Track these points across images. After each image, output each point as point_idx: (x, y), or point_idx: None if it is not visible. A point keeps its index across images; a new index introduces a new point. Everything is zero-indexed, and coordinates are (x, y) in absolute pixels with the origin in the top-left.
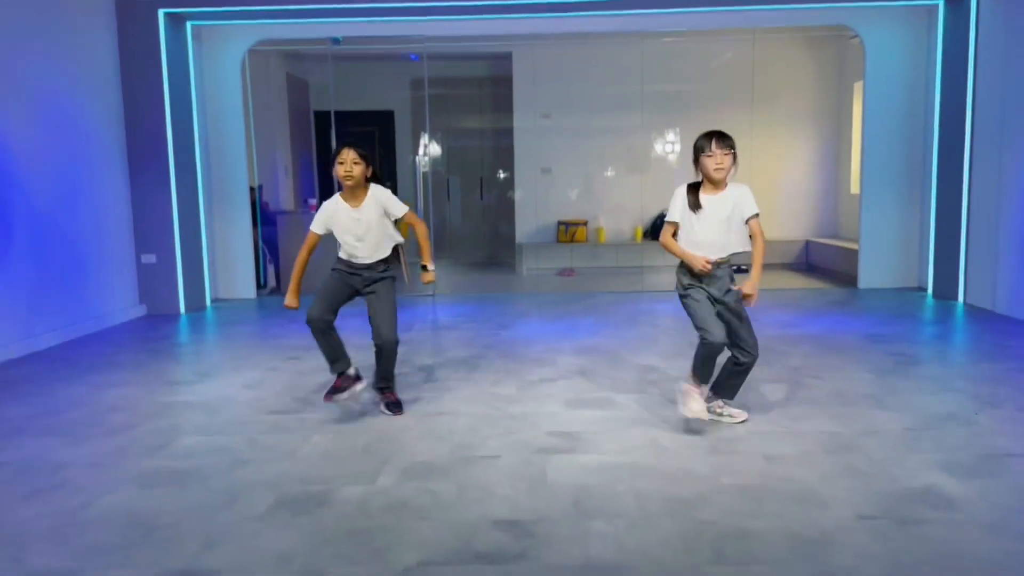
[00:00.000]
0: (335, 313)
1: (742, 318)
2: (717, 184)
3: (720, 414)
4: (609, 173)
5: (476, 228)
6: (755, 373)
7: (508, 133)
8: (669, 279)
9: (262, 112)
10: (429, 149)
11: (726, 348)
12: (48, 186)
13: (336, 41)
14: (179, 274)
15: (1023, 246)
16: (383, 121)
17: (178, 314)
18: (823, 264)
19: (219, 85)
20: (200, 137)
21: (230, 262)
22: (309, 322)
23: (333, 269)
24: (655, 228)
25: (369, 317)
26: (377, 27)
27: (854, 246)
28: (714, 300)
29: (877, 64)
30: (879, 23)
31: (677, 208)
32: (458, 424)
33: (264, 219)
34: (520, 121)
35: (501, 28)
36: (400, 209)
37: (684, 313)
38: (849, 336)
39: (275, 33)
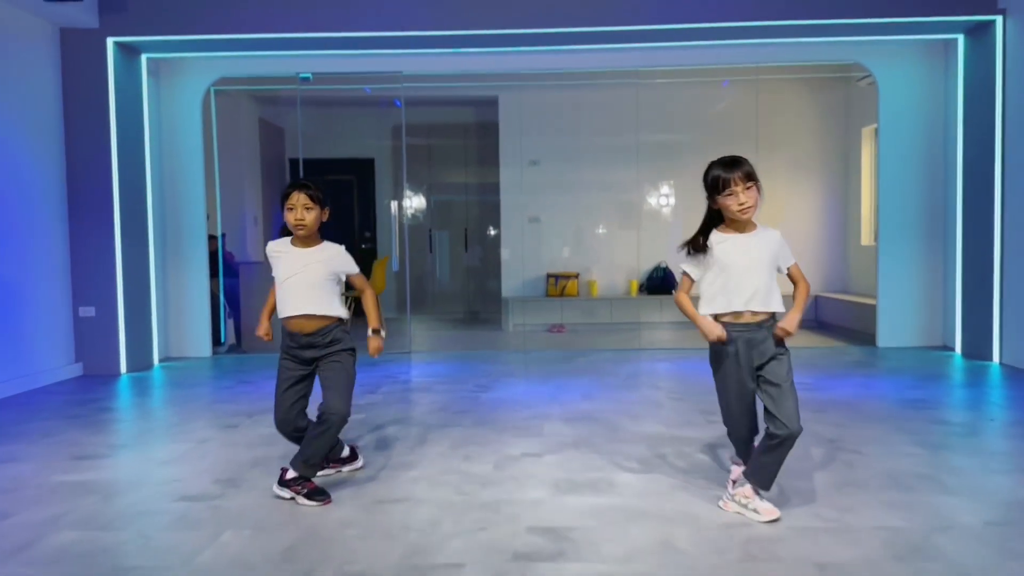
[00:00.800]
0: (303, 409)
1: (783, 387)
2: (745, 223)
3: (744, 505)
4: (601, 230)
5: (459, 282)
6: None
7: (494, 185)
8: (669, 336)
9: (230, 157)
10: (408, 199)
11: (763, 418)
12: None
13: (305, 79)
14: (121, 329)
15: None
16: (363, 169)
17: (118, 375)
18: (835, 321)
19: (178, 125)
20: (154, 180)
21: (183, 317)
22: (279, 430)
23: (282, 359)
24: (652, 281)
25: (321, 387)
26: (350, 63)
27: (869, 301)
28: (750, 367)
29: (892, 104)
30: (893, 60)
31: (694, 261)
32: (415, 516)
33: (227, 270)
34: (506, 169)
35: (485, 66)
36: (352, 267)
37: (690, 374)
38: (882, 402)
39: (239, 69)
